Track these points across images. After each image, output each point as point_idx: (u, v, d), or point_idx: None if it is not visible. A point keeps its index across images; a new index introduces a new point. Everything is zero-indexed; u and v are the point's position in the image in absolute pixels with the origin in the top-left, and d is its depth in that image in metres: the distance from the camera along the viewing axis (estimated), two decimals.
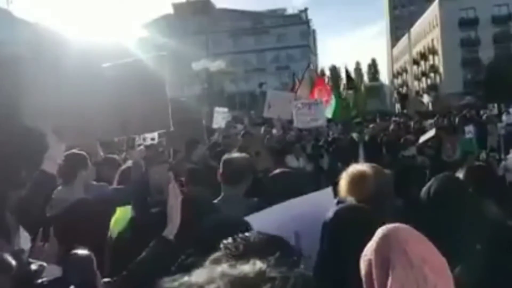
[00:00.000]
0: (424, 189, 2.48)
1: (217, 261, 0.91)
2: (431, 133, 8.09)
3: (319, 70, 68.54)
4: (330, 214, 2.06)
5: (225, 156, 3.34)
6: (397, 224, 1.37)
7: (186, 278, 0.84)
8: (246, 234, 1.11)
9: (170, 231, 2.13)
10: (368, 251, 1.34)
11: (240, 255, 0.93)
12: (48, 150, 2.66)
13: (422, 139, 7.96)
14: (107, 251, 2.56)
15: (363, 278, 1.33)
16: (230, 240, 1.05)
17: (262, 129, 11.08)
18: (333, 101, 10.25)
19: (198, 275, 0.84)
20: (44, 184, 2.63)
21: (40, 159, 2.56)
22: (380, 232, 1.34)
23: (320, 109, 9.90)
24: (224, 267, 0.84)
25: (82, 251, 1.89)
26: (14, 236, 2.12)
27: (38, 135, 2.48)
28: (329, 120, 11.50)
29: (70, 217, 2.73)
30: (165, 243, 2.09)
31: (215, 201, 3.06)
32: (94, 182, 4.14)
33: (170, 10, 77.09)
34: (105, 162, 4.75)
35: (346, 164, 2.81)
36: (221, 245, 1.01)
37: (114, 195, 3.84)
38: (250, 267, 0.83)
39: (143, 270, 2.02)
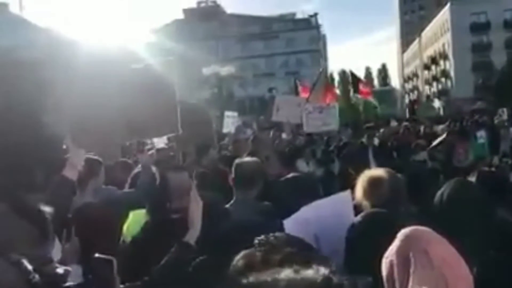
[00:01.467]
0: (438, 194, 2.48)
1: (269, 263, 0.87)
2: (441, 137, 8.06)
3: (328, 74, 68.42)
4: (358, 218, 2.08)
5: (237, 161, 3.35)
6: (418, 226, 1.38)
7: (245, 281, 0.82)
8: (277, 234, 1.10)
9: (192, 236, 2.13)
10: (390, 252, 1.35)
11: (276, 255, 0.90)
12: (68, 155, 2.70)
13: (433, 144, 7.93)
14: (119, 255, 2.57)
15: (385, 279, 1.34)
16: (263, 239, 1.02)
17: (271, 133, 11.08)
18: (334, 110, 10.06)
19: (259, 278, 0.81)
20: (64, 189, 2.66)
21: (58, 163, 2.60)
22: (401, 233, 1.35)
23: (333, 113, 9.80)
24: (287, 272, 0.81)
25: (104, 256, 1.91)
26: (51, 242, 2.14)
27: (54, 138, 2.51)
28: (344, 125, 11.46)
29: (79, 221, 2.75)
30: (186, 249, 2.09)
31: (227, 205, 3.08)
32: (103, 186, 4.16)
33: (181, 15, 77.71)
34: (117, 166, 4.78)
35: (357, 169, 2.81)
36: (257, 243, 0.98)
37: (123, 198, 3.86)
38: (315, 273, 0.81)
39: (166, 275, 2.03)
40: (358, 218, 2.06)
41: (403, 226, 1.40)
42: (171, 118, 3.66)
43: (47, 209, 2.10)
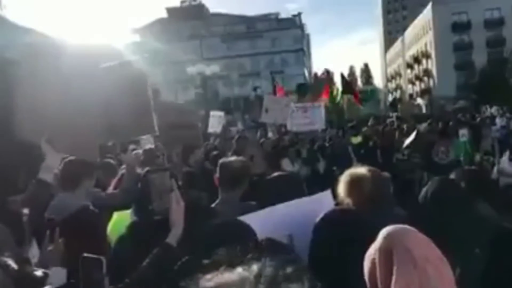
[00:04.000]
0: (422, 193, 2.50)
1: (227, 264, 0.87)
2: (412, 136, 8.15)
3: (313, 74, 68.59)
4: (319, 217, 2.07)
5: (221, 160, 3.34)
6: (401, 225, 1.38)
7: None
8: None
9: (173, 238, 2.11)
10: (372, 250, 1.35)
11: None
12: (45, 159, 2.67)
13: (406, 143, 8.03)
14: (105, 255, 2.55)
15: (367, 277, 1.34)
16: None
17: (258, 133, 11.09)
18: (320, 110, 10.11)
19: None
20: (41, 192, 2.63)
21: (37, 167, 2.58)
22: (384, 231, 1.35)
23: (318, 112, 9.84)
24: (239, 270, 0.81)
25: (93, 255, 1.89)
26: (27, 243, 2.12)
27: (34, 144, 2.49)
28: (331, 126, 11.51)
29: (76, 223, 2.72)
30: (168, 250, 2.07)
31: (213, 205, 3.07)
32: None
33: (164, 14, 77.23)
34: (101, 167, 4.72)
35: (342, 168, 2.81)
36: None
37: (108, 200, 3.82)
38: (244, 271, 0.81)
39: (147, 278, 2.01)
40: (319, 217, 2.04)
41: (385, 225, 1.39)
42: (147, 118, 3.61)
43: (24, 211, 2.09)
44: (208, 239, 1.76)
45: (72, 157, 3.44)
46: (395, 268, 1.22)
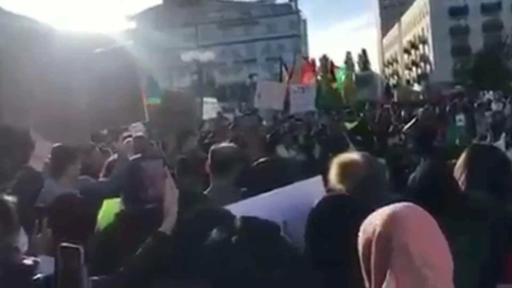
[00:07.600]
0: (411, 177, 2.47)
1: None
2: (411, 122, 8.21)
3: (310, 60, 68.30)
4: (315, 203, 2.02)
5: (213, 147, 3.30)
6: (406, 205, 1.23)
7: None
8: None
9: (168, 226, 2.07)
10: (371, 228, 1.21)
11: None
12: (35, 147, 2.63)
13: (405, 128, 8.10)
14: (93, 244, 2.51)
15: (361, 258, 1.22)
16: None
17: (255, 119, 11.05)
18: (313, 90, 10.14)
19: None
20: (29, 181, 2.59)
21: (25, 155, 2.53)
22: (387, 212, 1.20)
23: (312, 93, 9.92)
24: None
25: (69, 244, 1.85)
26: (16, 232, 2.08)
27: (21, 131, 2.44)
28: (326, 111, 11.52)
29: (57, 210, 2.67)
30: (163, 239, 2.04)
31: (205, 192, 3.01)
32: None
33: (160, 1, 76.55)
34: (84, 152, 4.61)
35: (337, 154, 2.75)
36: None
37: (97, 188, 3.77)
38: None
39: (141, 266, 1.97)
40: (315, 203, 2.00)
41: (366, 211, 1.30)
42: (138, 105, 3.56)
43: (11, 199, 2.04)
44: (188, 227, 1.72)
45: (57, 144, 3.40)
46: (390, 269, 1.12)
